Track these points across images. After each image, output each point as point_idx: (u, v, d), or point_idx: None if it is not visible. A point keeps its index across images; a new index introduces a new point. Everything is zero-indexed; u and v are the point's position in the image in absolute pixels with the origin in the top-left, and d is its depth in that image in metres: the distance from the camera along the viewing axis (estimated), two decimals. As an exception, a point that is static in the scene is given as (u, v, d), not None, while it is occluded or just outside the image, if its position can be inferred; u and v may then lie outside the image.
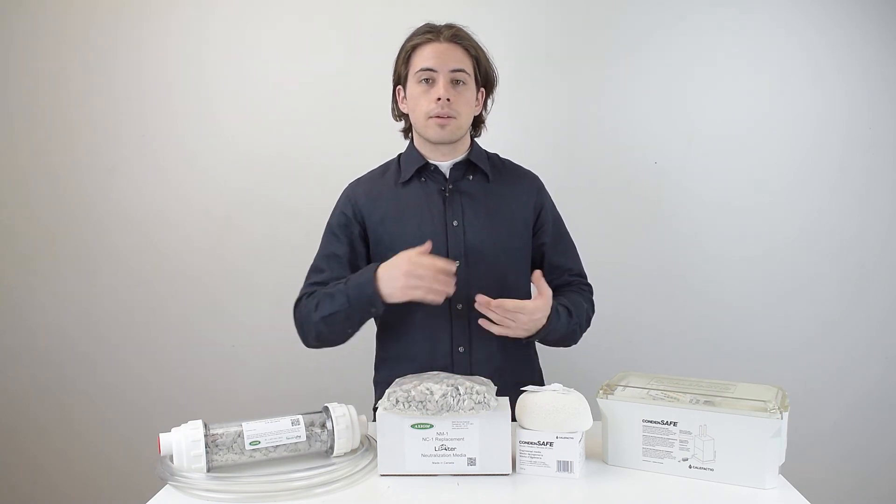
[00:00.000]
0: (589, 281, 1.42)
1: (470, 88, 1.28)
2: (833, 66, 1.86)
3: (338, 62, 1.89)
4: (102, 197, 1.93)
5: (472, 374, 1.16)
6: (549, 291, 1.18)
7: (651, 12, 1.87)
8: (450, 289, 1.13)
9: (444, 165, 1.33)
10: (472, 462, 0.97)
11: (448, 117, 1.24)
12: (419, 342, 1.28)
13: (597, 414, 1.01)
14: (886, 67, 1.86)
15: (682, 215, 1.91)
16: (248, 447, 0.97)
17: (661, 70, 1.88)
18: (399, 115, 1.37)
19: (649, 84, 1.88)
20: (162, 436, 0.96)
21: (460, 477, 0.97)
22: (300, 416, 1.02)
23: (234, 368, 1.95)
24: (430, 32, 1.27)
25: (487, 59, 1.32)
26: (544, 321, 1.18)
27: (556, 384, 1.01)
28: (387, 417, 0.97)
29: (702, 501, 0.90)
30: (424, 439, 0.97)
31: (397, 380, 1.03)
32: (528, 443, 0.97)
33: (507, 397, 1.01)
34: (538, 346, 1.38)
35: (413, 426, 0.97)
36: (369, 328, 1.31)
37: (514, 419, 0.99)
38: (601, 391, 1.01)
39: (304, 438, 1.00)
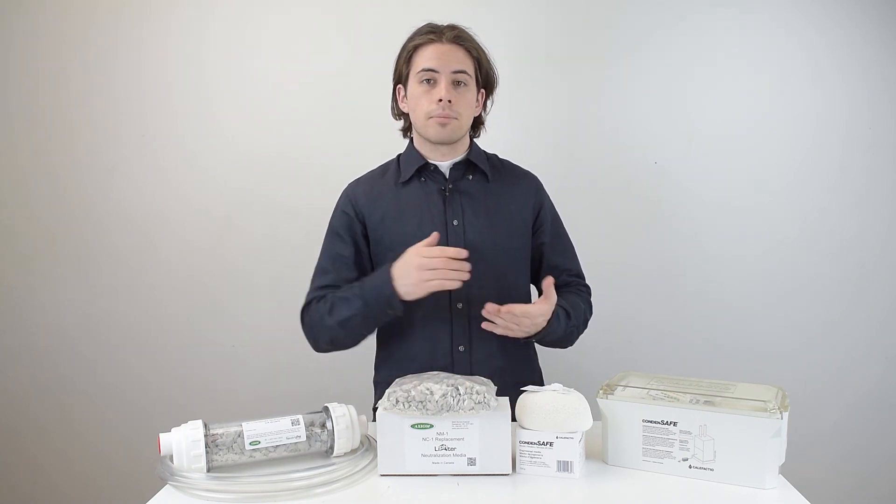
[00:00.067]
0: (589, 281, 1.42)
1: (471, 90, 1.29)
2: (833, 66, 1.86)
3: (338, 62, 1.89)
4: (102, 197, 1.93)
5: (472, 374, 1.17)
6: (555, 298, 1.19)
7: (651, 12, 1.87)
8: (464, 275, 1.14)
9: (444, 165, 1.33)
10: (472, 462, 0.97)
11: (449, 118, 1.25)
12: (419, 342, 1.28)
13: (597, 414, 1.01)
14: (886, 67, 1.86)
15: (682, 215, 1.91)
16: (248, 447, 0.97)
17: (661, 70, 1.88)
18: (399, 114, 1.37)
19: (649, 84, 1.88)
20: (162, 436, 0.96)
21: (460, 477, 0.97)
22: (300, 416, 1.01)
23: (234, 368, 1.95)
24: (432, 33, 1.27)
25: (488, 61, 1.32)
26: (545, 324, 1.19)
27: (556, 384, 1.01)
28: (387, 417, 0.97)
29: (702, 501, 0.90)
30: (424, 439, 0.97)
31: (397, 380, 1.03)
32: (528, 443, 0.97)
33: (507, 397, 1.01)
34: (537, 346, 1.39)
35: (413, 426, 0.97)
36: (369, 328, 1.31)
37: (514, 419, 0.99)
38: (601, 391, 1.01)
39: (304, 438, 1.00)
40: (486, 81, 1.33)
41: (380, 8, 1.87)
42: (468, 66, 1.27)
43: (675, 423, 0.96)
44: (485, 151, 1.39)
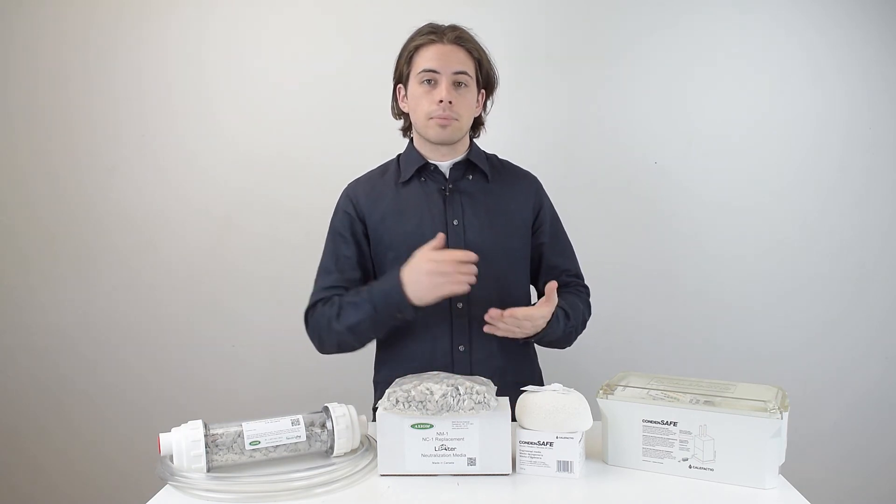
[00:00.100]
0: (588, 281, 1.42)
1: (471, 91, 1.29)
2: (833, 66, 1.86)
3: (338, 62, 1.89)
4: (102, 197, 1.93)
5: (472, 374, 1.17)
6: (556, 300, 1.19)
7: (651, 12, 1.87)
8: (471, 279, 1.14)
9: (444, 165, 1.33)
10: (472, 462, 0.97)
11: (449, 119, 1.25)
12: (419, 341, 1.28)
13: (597, 414, 1.01)
14: (886, 67, 1.86)
15: (681, 215, 1.91)
16: (248, 447, 0.97)
17: (661, 70, 1.88)
18: (399, 113, 1.37)
19: (649, 84, 1.88)
20: (162, 436, 0.96)
21: (460, 477, 0.97)
22: (300, 416, 1.01)
23: (234, 368, 1.95)
24: (433, 33, 1.27)
25: (489, 61, 1.32)
26: (545, 325, 1.19)
27: (556, 384, 1.01)
28: (387, 417, 0.97)
29: (702, 501, 0.90)
30: (424, 439, 0.97)
31: (397, 380, 1.03)
32: (528, 443, 0.97)
33: (507, 397, 1.01)
34: (537, 346, 1.39)
35: (413, 426, 0.97)
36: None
37: (514, 419, 0.99)
38: (601, 391, 1.01)
39: (304, 438, 1.00)
40: (486, 82, 1.33)
41: (380, 8, 1.87)
42: (469, 67, 1.27)
43: (675, 423, 0.96)
44: (484, 152, 1.39)
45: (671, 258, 1.92)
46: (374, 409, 1.21)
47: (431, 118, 1.25)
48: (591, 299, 1.40)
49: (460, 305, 1.26)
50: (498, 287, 1.27)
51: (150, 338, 1.95)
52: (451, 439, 0.97)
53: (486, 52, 1.32)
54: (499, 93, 1.38)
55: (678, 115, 1.89)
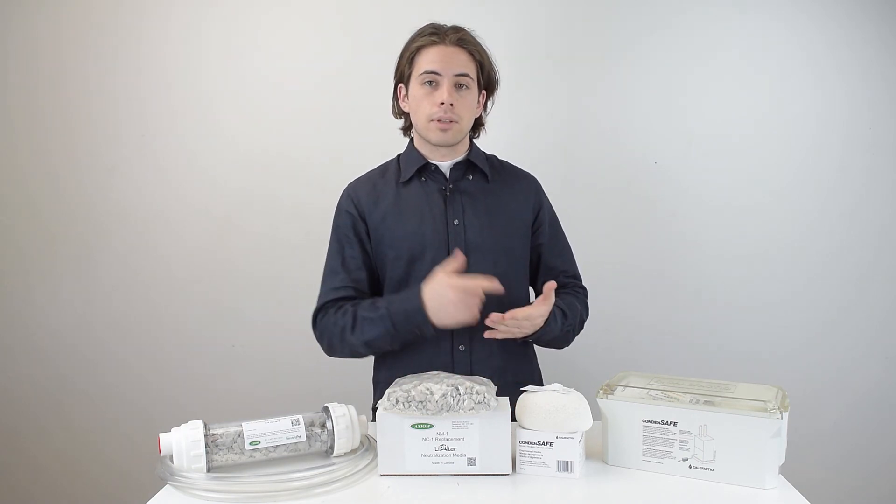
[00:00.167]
0: (588, 281, 1.42)
1: (472, 92, 1.29)
2: (833, 66, 1.86)
3: (338, 62, 1.89)
4: (102, 197, 1.93)
5: (472, 373, 1.17)
6: (553, 299, 1.19)
7: (651, 12, 1.87)
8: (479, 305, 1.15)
9: (444, 165, 1.33)
10: (472, 462, 0.97)
11: (450, 121, 1.25)
12: (419, 341, 1.28)
13: (597, 414, 1.01)
14: (886, 67, 1.86)
15: (681, 215, 1.91)
16: (248, 447, 0.97)
17: (660, 70, 1.88)
18: (399, 112, 1.37)
19: (649, 84, 1.88)
20: (162, 436, 0.96)
21: (460, 477, 0.97)
22: (300, 416, 1.01)
23: (234, 368, 1.95)
24: (435, 34, 1.27)
25: (491, 63, 1.32)
26: (542, 323, 1.20)
27: (556, 384, 1.01)
28: (387, 417, 0.97)
29: (702, 501, 0.90)
30: (424, 439, 0.97)
31: (397, 380, 1.03)
32: (528, 443, 0.97)
33: (507, 397, 1.02)
34: (536, 346, 1.39)
35: (413, 426, 0.97)
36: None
37: (514, 419, 0.99)
38: (601, 391, 1.01)
39: (304, 438, 1.00)
40: (487, 83, 1.33)
41: (380, 7, 1.87)
42: (470, 69, 1.27)
43: (675, 423, 0.96)
44: (484, 152, 1.39)
45: (671, 258, 1.92)
46: (374, 409, 1.21)
47: (432, 120, 1.25)
48: (590, 299, 1.40)
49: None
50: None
51: (149, 338, 1.95)
52: (451, 439, 0.97)
53: (488, 53, 1.32)
54: (499, 93, 1.38)
55: (678, 115, 1.89)
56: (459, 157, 1.34)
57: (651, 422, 0.97)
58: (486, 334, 1.18)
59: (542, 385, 1.10)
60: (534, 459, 0.97)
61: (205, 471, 0.94)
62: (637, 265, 1.92)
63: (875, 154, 1.87)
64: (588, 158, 1.90)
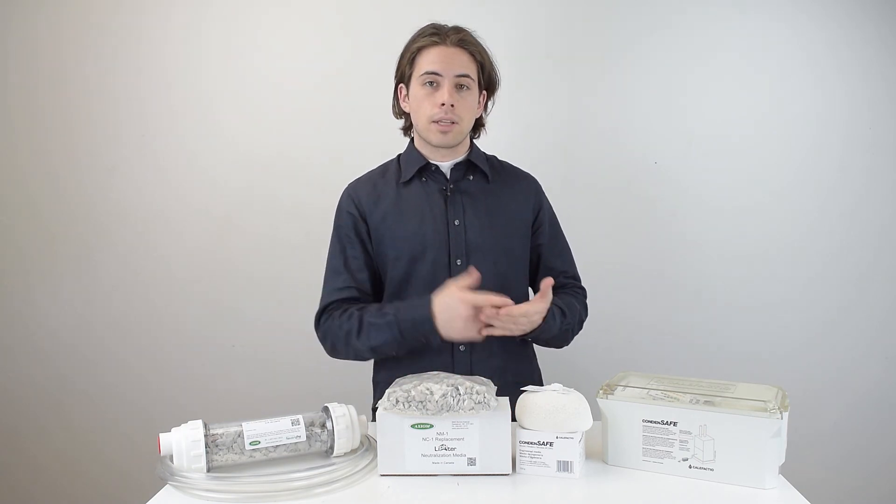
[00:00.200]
0: (588, 281, 1.42)
1: (473, 93, 1.29)
2: (833, 66, 1.86)
3: (338, 62, 1.89)
4: (102, 197, 1.93)
5: (472, 373, 1.17)
6: (550, 296, 1.19)
7: (651, 12, 1.87)
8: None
9: (445, 166, 1.33)
10: (472, 462, 0.97)
11: (451, 123, 1.25)
12: (425, 349, 1.28)
13: (597, 414, 1.01)
14: (886, 67, 1.86)
15: (681, 215, 1.91)
16: (248, 447, 0.97)
17: (660, 70, 1.88)
18: (400, 112, 1.37)
19: (649, 84, 1.88)
20: (162, 436, 0.96)
21: (460, 477, 0.97)
22: (300, 416, 1.01)
23: (234, 368, 1.95)
24: (436, 35, 1.26)
25: (491, 63, 1.32)
26: (541, 321, 1.19)
27: (556, 384, 1.01)
28: (387, 417, 0.97)
29: (702, 501, 0.90)
30: (424, 439, 0.97)
31: (397, 380, 1.03)
32: (528, 443, 0.97)
33: (507, 397, 1.01)
34: (535, 346, 1.39)
35: (413, 426, 0.97)
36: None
37: (514, 419, 0.99)
38: (601, 391, 1.01)
39: (304, 438, 1.00)
40: (488, 83, 1.33)
41: (380, 7, 1.87)
42: (471, 69, 1.27)
43: (675, 423, 0.96)
44: (484, 153, 1.39)
45: (671, 258, 1.92)
46: (374, 409, 1.21)
47: (433, 121, 1.26)
48: (590, 300, 1.40)
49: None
50: (498, 288, 1.26)
51: (150, 338, 1.95)
52: (451, 439, 0.97)
53: (489, 53, 1.32)
54: (499, 93, 1.38)
55: (678, 115, 1.89)
56: (460, 158, 1.34)
57: (651, 422, 0.97)
58: (484, 332, 1.18)
59: (542, 385, 1.10)
60: (534, 459, 0.97)
61: (205, 471, 0.94)
62: (637, 265, 1.92)
63: (875, 154, 1.87)
64: (588, 158, 1.90)
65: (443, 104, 1.24)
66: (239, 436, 0.97)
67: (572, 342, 1.35)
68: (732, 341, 1.91)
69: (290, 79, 1.90)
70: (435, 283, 1.26)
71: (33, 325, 1.96)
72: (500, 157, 1.42)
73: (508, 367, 1.28)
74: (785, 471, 0.96)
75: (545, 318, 1.20)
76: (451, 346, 1.27)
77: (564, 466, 0.96)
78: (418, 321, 1.17)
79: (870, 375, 1.92)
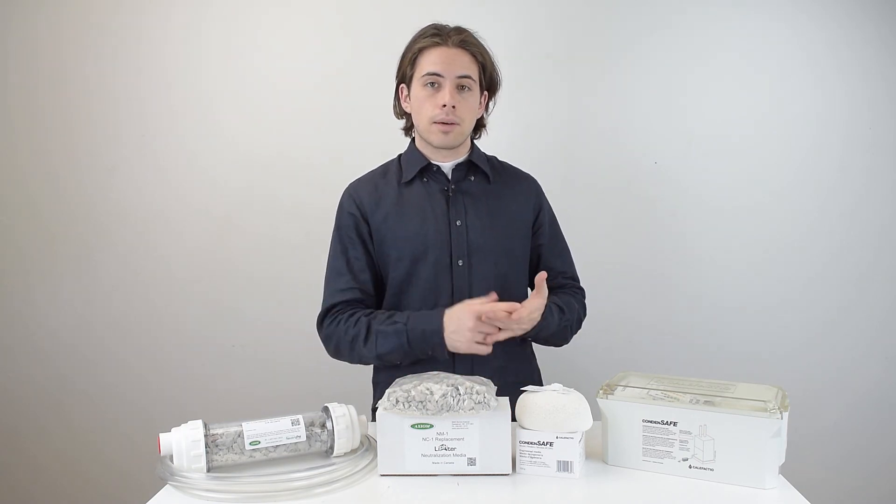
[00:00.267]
0: (588, 281, 1.43)
1: (474, 94, 1.29)
2: (833, 66, 1.86)
3: (338, 62, 1.89)
4: (102, 197, 1.93)
5: (472, 373, 1.17)
6: (546, 292, 1.19)
7: (651, 12, 1.87)
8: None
9: (446, 166, 1.33)
10: (472, 462, 0.97)
11: (452, 124, 1.25)
12: (430, 361, 1.28)
13: (597, 414, 1.01)
14: (886, 67, 1.86)
15: (681, 215, 1.91)
16: (248, 447, 0.97)
17: (660, 70, 1.88)
18: (401, 113, 1.37)
19: (649, 84, 1.88)
20: (162, 436, 0.96)
21: (460, 477, 0.97)
22: (300, 416, 1.01)
23: (234, 368, 1.95)
24: (437, 35, 1.26)
25: (493, 64, 1.32)
26: (539, 318, 1.20)
27: (556, 384, 1.01)
28: (387, 417, 0.97)
29: (702, 501, 0.90)
30: (424, 439, 0.97)
31: (397, 380, 1.03)
32: (528, 443, 0.97)
33: (507, 397, 1.01)
34: (535, 345, 1.39)
35: (413, 426, 0.96)
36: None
37: (514, 419, 0.99)
38: (601, 391, 1.01)
39: (304, 438, 1.00)
40: (489, 84, 1.33)
41: (380, 7, 1.87)
42: (473, 70, 1.27)
43: (675, 423, 0.96)
44: (485, 153, 1.39)
45: (671, 258, 1.92)
46: (374, 409, 1.21)
47: (434, 122, 1.25)
48: (590, 299, 1.40)
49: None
50: (499, 288, 1.27)
51: (150, 338, 1.95)
52: (451, 439, 0.97)
53: (490, 54, 1.32)
54: (499, 93, 1.38)
55: (678, 115, 1.89)
56: (461, 158, 1.34)
57: (651, 422, 0.97)
58: (489, 339, 1.18)
59: (542, 385, 1.10)
60: (534, 459, 0.97)
61: (205, 471, 0.94)
62: (637, 265, 1.92)
63: (875, 154, 1.88)
64: (588, 158, 1.90)
65: (444, 105, 1.24)
66: (239, 436, 0.97)
67: (572, 342, 1.36)
68: (732, 341, 1.92)
69: (290, 79, 1.90)
70: (436, 283, 1.27)
71: (33, 325, 1.96)
72: (500, 158, 1.42)
73: (508, 367, 1.28)
74: (785, 471, 0.96)
75: (543, 315, 1.20)
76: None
77: (564, 466, 0.96)
78: (428, 332, 1.18)
79: (870, 375, 1.92)
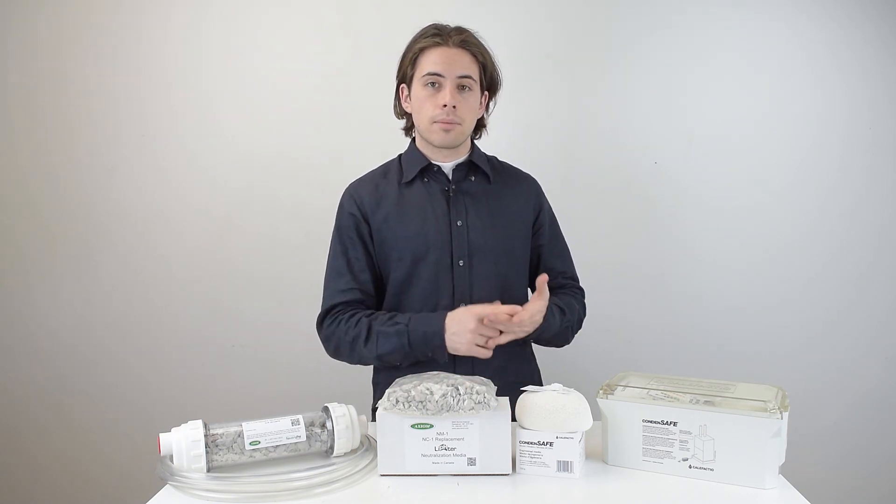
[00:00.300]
0: (588, 281, 1.43)
1: (475, 94, 1.29)
2: (833, 66, 1.86)
3: (338, 62, 1.89)
4: (102, 197, 1.93)
5: (472, 374, 1.17)
6: (547, 294, 1.20)
7: (651, 12, 1.87)
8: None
9: (447, 166, 1.33)
10: (472, 462, 0.97)
11: (452, 123, 1.25)
12: (430, 363, 1.28)
13: (597, 414, 1.01)
14: (886, 67, 1.86)
15: (681, 215, 1.91)
16: (248, 447, 0.97)
17: (660, 70, 1.88)
18: (402, 113, 1.37)
19: (649, 84, 1.88)
20: (162, 436, 0.96)
21: (460, 477, 0.97)
22: (300, 416, 1.01)
23: (234, 368, 1.95)
24: (438, 35, 1.26)
25: (493, 64, 1.32)
26: (542, 320, 1.20)
27: (556, 384, 1.01)
28: (387, 417, 0.97)
29: (702, 501, 0.90)
30: (424, 439, 0.97)
31: (397, 380, 1.03)
32: (528, 443, 0.97)
33: (507, 397, 1.01)
34: (534, 345, 1.39)
35: (413, 426, 0.96)
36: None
37: (514, 419, 0.99)
38: (601, 391, 1.01)
39: (304, 438, 1.00)
40: (490, 84, 1.33)
41: (380, 7, 1.87)
42: (473, 70, 1.27)
43: (675, 423, 0.96)
44: (485, 153, 1.39)
45: (671, 258, 1.92)
46: (374, 409, 1.21)
47: (435, 122, 1.26)
48: (590, 300, 1.41)
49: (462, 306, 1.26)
50: (500, 288, 1.27)
51: (150, 338, 1.95)
52: (451, 439, 0.97)
53: (491, 54, 1.32)
54: (500, 93, 1.38)
55: (678, 115, 1.89)
56: (461, 158, 1.34)
57: (651, 422, 0.97)
58: (491, 343, 1.18)
59: (541, 385, 1.10)
60: (534, 459, 0.97)
61: (205, 471, 0.94)
62: (637, 265, 1.92)
63: (875, 154, 1.87)
64: (588, 158, 1.90)
65: (445, 105, 1.24)
66: (239, 436, 0.97)
67: (572, 342, 1.36)
68: (732, 341, 1.91)
69: (290, 79, 1.90)
70: (437, 283, 1.27)
71: (33, 325, 1.96)
72: (500, 158, 1.42)
73: (508, 367, 1.28)
74: (785, 471, 0.96)
75: (545, 317, 1.20)
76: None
77: (564, 466, 0.96)
78: (429, 334, 1.18)
79: (870, 375, 1.92)
